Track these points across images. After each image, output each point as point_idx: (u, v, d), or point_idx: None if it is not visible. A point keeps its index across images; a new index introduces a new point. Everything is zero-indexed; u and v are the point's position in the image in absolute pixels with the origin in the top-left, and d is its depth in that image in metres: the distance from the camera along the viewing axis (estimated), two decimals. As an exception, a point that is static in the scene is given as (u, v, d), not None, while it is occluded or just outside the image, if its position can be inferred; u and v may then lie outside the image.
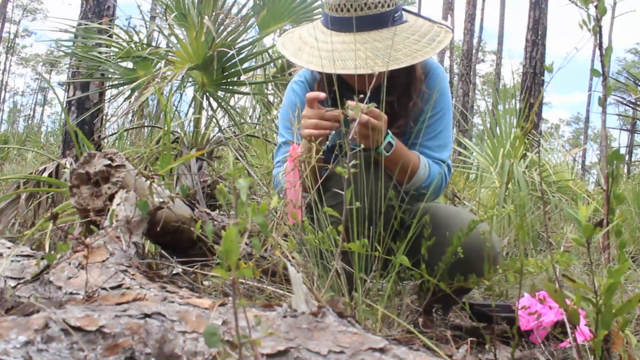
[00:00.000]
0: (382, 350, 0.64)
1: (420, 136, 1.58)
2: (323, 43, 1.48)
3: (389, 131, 1.45)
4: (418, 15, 1.59)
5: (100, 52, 3.57)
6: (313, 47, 1.48)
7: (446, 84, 1.65)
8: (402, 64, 1.41)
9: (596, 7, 0.90)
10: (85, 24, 3.73)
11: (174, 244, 1.59)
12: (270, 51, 4.08)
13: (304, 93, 1.58)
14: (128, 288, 0.96)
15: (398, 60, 1.41)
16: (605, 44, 0.93)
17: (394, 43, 1.43)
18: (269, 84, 4.13)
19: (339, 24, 1.47)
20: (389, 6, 1.46)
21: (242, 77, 3.75)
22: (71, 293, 1.00)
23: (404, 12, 1.55)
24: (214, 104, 3.46)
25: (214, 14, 3.29)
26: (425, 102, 1.59)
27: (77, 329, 0.62)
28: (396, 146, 1.45)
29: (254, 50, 3.60)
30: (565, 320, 1.04)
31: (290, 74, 3.97)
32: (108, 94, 3.94)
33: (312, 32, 1.53)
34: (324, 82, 1.54)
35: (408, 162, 1.49)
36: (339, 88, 1.42)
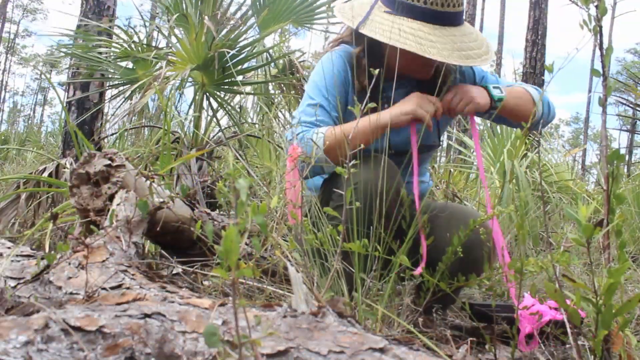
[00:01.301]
0: (382, 350, 0.64)
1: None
2: (413, 30, 1.47)
3: (488, 85, 1.52)
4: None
5: (100, 52, 3.57)
6: (407, 32, 1.46)
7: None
8: (487, 60, 1.47)
9: (596, 7, 0.90)
10: (85, 24, 3.73)
11: (174, 244, 1.59)
12: (271, 51, 4.08)
13: (343, 69, 1.58)
14: (128, 288, 0.96)
15: (486, 55, 1.48)
16: (605, 44, 0.93)
17: (468, 41, 1.49)
18: (270, 84, 4.13)
19: (424, 16, 1.47)
20: (461, 5, 1.52)
21: (242, 77, 3.75)
22: (71, 293, 1.00)
23: None
24: (214, 104, 3.46)
25: (213, 14, 3.29)
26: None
27: (77, 329, 0.62)
28: (505, 96, 1.51)
29: (255, 51, 3.60)
30: (566, 320, 1.04)
31: (292, 73, 3.97)
32: (108, 94, 3.94)
33: (389, 17, 1.50)
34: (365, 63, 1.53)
35: (521, 102, 1.54)
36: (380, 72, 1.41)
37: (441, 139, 1.71)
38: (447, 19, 1.48)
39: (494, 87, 1.53)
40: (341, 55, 1.60)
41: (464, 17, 1.56)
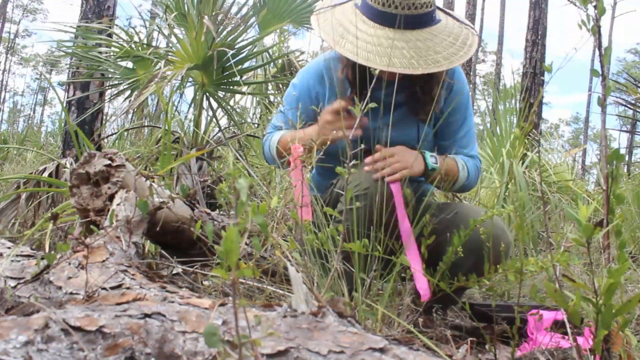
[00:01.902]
0: (382, 350, 0.64)
1: (451, 136, 1.68)
2: (365, 35, 1.48)
3: (425, 153, 1.56)
4: (445, 11, 1.62)
5: (100, 52, 3.57)
6: (357, 37, 1.49)
7: (466, 86, 1.72)
8: (442, 67, 1.46)
9: (595, 7, 0.90)
10: (85, 24, 3.73)
11: (174, 244, 1.59)
12: (270, 51, 4.08)
13: (316, 80, 1.67)
14: (128, 288, 0.96)
15: (438, 63, 1.46)
16: (605, 44, 0.93)
17: (433, 45, 1.47)
18: (269, 83, 4.13)
19: (383, 18, 1.48)
20: (430, 6, 1.49)
21: (242, 77, 3.74)
22: (71, 293, 1.00)
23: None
24: (214, 104, 3.46)
25: (213, 13, 3.29)
26: (449, 94, 1.65)
27: (77, 329, 0.62)
28: (439, 167, 1.56)
29: (254, 50, 3.60)
30: (566, 320, 1.04)
31: (291, 73, 3.97)
32: (108, 94, 3.93)
33: (352, 19, 1.53)
34: (348, 69, 1.58)
35: (449, 172, 1.61)
36: (361, 76, 1.48)
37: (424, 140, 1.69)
38: (411, 22, 1.47)
39: (431, 156, 1.57)
40: (316, 67, 1.69)
41: (435, 16, 1.53)
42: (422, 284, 1.30)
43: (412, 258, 1.33)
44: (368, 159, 1.46)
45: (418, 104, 1.59)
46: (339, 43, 1.49)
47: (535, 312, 1.19)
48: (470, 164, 1.68)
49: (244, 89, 3.54)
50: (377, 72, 1.52)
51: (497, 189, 3.52)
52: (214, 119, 3.46)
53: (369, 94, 1.30)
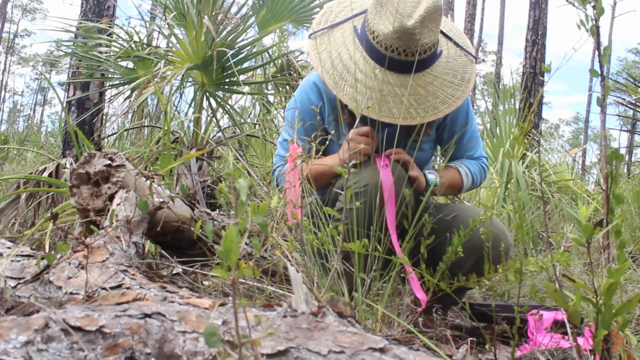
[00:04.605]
0: (382, 350, 0.64)
1: (456, 144, 1.70)
2: (365, 77, 1.47)
3: (426, 173, 1.61)
4: (445, 35, 1.60)
5: (100, 52, 3.57)
6: (357, 79, 1.49)
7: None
8: (439, 114, 1.48)
9: (594, 7, 0.90)
10: (85, 24, 3.73)
11: (174, 244, 1.59)
12: (270, 51, 4.08)
13: (315, 96, 1.63)
14: (128, 288, 0.96)
15: (436, 110, 1.48)
16: (604, 44, 0.93)
17: (433, 89, 1.49)
18: (269, 83, 4.13)
19: (384, 61, 1.46)
20: (434, 47, 1.48)
21: (242, 77, 3.74)
22: (71, 293, 1.00)
23: None
24: (214, 104, 3.46)
25: (213, 13, 3.29)
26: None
27: (77, 329, 0.62)
28: (441, 183, 1.61)
29: (254, 50, 3.60)
30: (566, 320, 1.04)
31: (290, 74, 3.97)
32: (108, 94, 3.93)
33: (351, 51, 1.51)
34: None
35: (452, 185, 1.67)
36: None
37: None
38: (409, 67, 1.45)
39: (429, 172, 1.62)
40: (314, 82, 1.66)
41: (437, 52, 1.52)
42: (420, 292, 1.30)
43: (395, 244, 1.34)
44: (387, 152, 1.50)
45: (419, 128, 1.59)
46: (339, 85, 1.48)
47: (535, 312, 1.19)
48: (474, 168, 1.72)
49: (244, 89, 3.54)
50: None
51: (497, 189, 3.52)
52: (214, 119, 3.46)
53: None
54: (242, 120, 4.01)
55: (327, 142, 1.63)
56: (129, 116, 3.92)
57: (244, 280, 1.45)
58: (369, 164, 1.47)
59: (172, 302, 0.80)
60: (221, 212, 2.05)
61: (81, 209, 1.41)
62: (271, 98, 4.27)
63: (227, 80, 3.39)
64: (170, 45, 3.69)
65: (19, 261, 1.18)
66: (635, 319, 1.49)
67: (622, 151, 1.00)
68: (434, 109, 1.47)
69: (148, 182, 1.45)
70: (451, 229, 1.47)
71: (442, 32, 1.59)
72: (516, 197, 3.27)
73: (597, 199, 3.64)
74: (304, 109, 1.62)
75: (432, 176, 1.61)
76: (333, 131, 1.58)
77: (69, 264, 1.07)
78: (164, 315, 0.69)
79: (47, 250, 1.92)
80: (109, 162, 1.42)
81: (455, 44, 1.60)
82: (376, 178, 1.39)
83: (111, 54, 3.56)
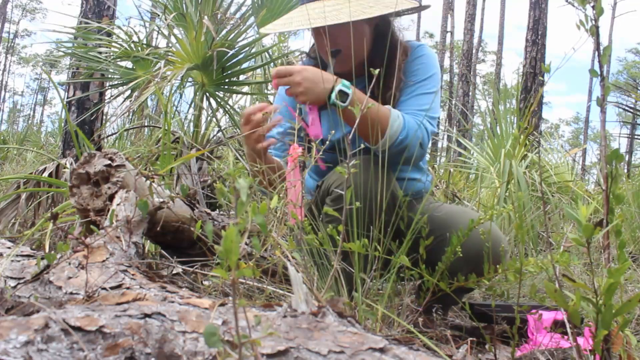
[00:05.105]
0: (382, 350, 0.64)
1: (402, 96, 1.56)
2: (297, 11, 1.59)
3: (343, 80, 1.43)
4: None
5: (100, 52, 3.57)
6: (283, 18, 1.66)
7: (430, 55, 1.64)
8: (340, 20, 1.43)
9: (593, 7, 0.90)
10: (85, 24, 3.73)
11: (174, 244, 1.59)
12: (270, 51, 4.08)
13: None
14: (128, 288, 0.96)
15: (339, 19, 1.44)
16: (604, 44, 0.93)
17: (342, 7, 1.47)
18: (269, 83, 4.13)
19: None
20: None
21: (242, 77, 3.74)
22: (71, 293, 1.00)
23: None
24: (214, 104, 3.46)
25: (212, 13, 3.29)
26: (404, 71, 1.61)
27: (77, 329, 0.62)
28: (353, 95, 1.40)
29: (254, 50, 3.60)
30: (566, 320, 1.04)
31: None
32: (108, 94, 3.93)
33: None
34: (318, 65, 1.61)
35: (370, 110, 1.39)
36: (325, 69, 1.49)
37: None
38: None
39: (343, 93, 1.40)
40: None
41: None
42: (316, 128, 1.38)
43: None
44: (273, 72, 1.48)
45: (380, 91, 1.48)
46: (265, 27, 1.66)
47: (535, 312, 1.19)
48: (408, 119, 1.47)
49: (244, 89, 3.54)
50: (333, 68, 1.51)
51: (497, 189, 3.52)
52: (214, 119, 3.46)
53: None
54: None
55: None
56: (129, 116, 3.92)
57: (244, 280, 1.45)
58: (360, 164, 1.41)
59: (172, 302, 0.80)
60: (221, 212, 2.05)
61: (81, 209, 1.41)
62: (271, 98, 4.26)
63: (227, 80, 3.39)
64: (170, 45, 3.69)
65: (19, 261, 1.18)
66: (635, 319, 1.49)
67: (622, 151, 0.99)
68: (336, 19, 1.44)
69: (148, 182, 1.45)
70: (442, 231, 1.46)
71: None
72: (516, 197, 3.27)
73: (597, 199, 3.64)
74: (279, 98, 1.76)
75: (345, 95, 1.40)
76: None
77: (69, 264, 1.07)
78: (164, 315, 0.69)
79: (47, 250, 1.92)
80: (109, 162, 1.42)
81: None
82: (367, 181, 1.38)
83: (111, 54, 3.57)
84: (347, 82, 1.42)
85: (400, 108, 1.54)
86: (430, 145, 1.68)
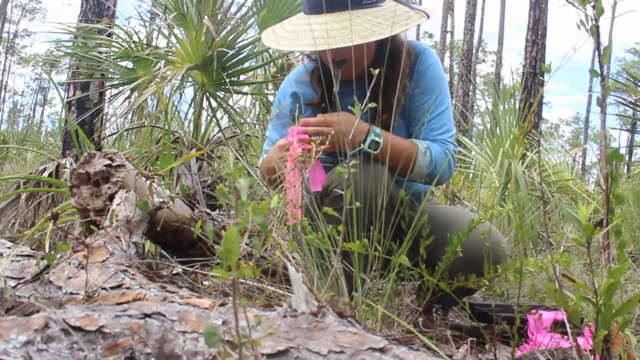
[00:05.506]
0: (382, 350, 0.64)
1: (420, 120, 1.56)
2: (302, 25, 1.53)
3: (374, 128, 1.46)
4: (408, 5, 1.55)
5: (100, 52, 3.57)
6: (288, 30, 1.57)
7: (438, 66, 1.63)
8: (347, 44, 1.40)
9: (593, 7, 0.90)
10: (85, 24, 3.73)
11: (174, 244, 1.59)
12: (270, 51, 4.08)
13: (290, 93, 1.73)
14: (128, 288, 0.96)
15: (348, 41, 1.41)
16: (604, 44, 0.93)
17: (352, 25, 1.43)
18: (269, 83, 4.13)
19: (309, 6, 1.52)
20: None
21: (242, 77, 3.74)
22: (71, 293, 1.00)
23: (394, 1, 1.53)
24: (214, 104, 3.46)
25: (213, 13, 3.29)
26: (415, 82, 1.59)
27: (77, 329, 0.62)
28: (384, 141, 1.45)
29: (254, 50, 3.60)
30: (566, 320, 1.04)
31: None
32: (108, 94, 3.94)
33: (293, 20, 1.60)
34: (319, 73, 1.62)
35: (400, 153, 1.47)
36: (327, 79, 1.51)
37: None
38: (328, 6, 1.44)
39: (375, 136, 1.45)
40: (288, 78, 1.78)
41: (366, 1, 1.48)
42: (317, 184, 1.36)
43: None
44: (303, 120, 1.45)
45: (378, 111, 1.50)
46: (268, 37, 1.58)
47: (535, 312, 1.19)
48: (435, 149, 1.53)
49: (244, 89, 3.54)
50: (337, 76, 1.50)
51: (496, 189, 3.52)
52: (214, 119, 3.46)
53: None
54: (242, 120, 4.00)
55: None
56: (129, 116, 3.92)
57: (244, 280, 1.45)
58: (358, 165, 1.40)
59: (172, 302, 0.80)
60: (221, 212, 2.05)
61: (81, 209, 1.41)
62: (271, 98, 4.27)
63: (227, 80, 3.40)
64: (170, 45, 3.69)
65: (19, 261, 1.18)
66: (635, 319, 1.49)
67: (622, 151, 1.00)
68: (346, 39, 1.41)
69: (148, 182, 1.45)
70: (440, 233, 1.46)
71: (402, 2, 1.54)
72: (516, 197, 3.27)
73: (597, 199, 3.64)
74: (282, 96, 1.75)
75: (377, 138, 1.44)
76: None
77: (69, 264, 1.07)
78: (164, 315, 0.69)
79: (47, 250, 1.92)
80: (109, 162, 1.42)
81: (413, 8, 1.54)
82: (364, 181, 1.38)
83: (111, 54, 3.57)
84: (378, 130, 1.46)
85: (425, 135, 1.57)
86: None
